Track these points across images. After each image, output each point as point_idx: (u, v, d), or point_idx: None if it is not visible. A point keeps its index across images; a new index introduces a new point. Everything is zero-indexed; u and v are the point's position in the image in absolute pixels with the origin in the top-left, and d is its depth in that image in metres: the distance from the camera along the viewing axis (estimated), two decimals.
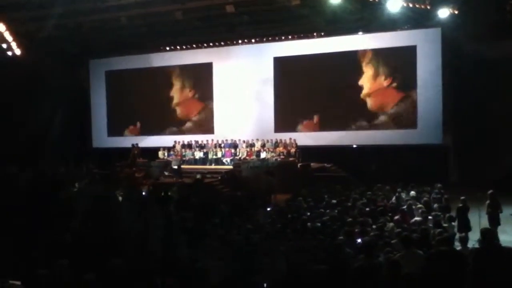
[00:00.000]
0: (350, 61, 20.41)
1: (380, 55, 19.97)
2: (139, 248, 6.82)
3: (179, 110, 23.92)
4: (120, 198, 11.64)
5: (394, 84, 19.85)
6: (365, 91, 20.29)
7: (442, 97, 18.84)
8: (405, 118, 19.72)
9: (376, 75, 20.12)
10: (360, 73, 20.31)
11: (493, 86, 16.82)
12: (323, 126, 20.92)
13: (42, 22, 18.46)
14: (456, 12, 16.21)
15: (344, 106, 20.52)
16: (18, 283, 5.10)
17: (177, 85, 23.89)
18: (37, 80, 21.12)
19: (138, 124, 24.55)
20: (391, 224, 8.65)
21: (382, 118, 20.08)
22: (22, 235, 6.78)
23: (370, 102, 20.27)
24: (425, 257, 5.99)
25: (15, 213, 8.01)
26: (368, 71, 20.25)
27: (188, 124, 23.72)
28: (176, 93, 23.93)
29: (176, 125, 23.88)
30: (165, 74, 23.98)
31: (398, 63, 19.75)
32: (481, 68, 16.49)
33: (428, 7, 16.28)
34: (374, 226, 8.64)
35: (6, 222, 7.46)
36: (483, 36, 16.75)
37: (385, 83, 20.01)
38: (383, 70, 20.01)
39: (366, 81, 20.28)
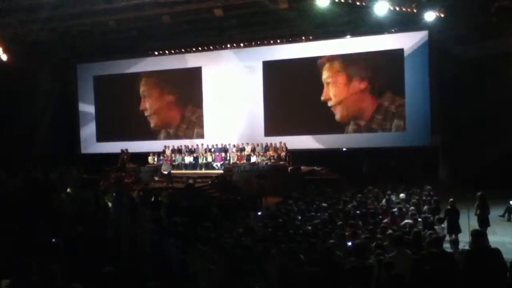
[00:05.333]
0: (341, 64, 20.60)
1: (368, 58, 20.14)
2: (130, 253, 6.77)
3: (167, 113, 23.91)
4: (110, 204, 11.57)
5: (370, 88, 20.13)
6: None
7: (430, 99, 19.02)
8: (394, 120, 19.88)
9: (362, 78, 20.32)
10: (349, 76, 20.47)
11: (479, 86, 17.03)
12: (313, 129, 20.95)
13: (30, 26, 18.32)
14: (442, 15, 16.38)
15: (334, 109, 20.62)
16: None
17: (165, 89, 23.87)
18: (25, 84, 20.94)
19: None
20: (382, 225, 8.67)
21: (370, 120, 20.22)
22: (14, 240, 6.71)
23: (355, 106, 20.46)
24: (415, 259, 6.03)
25: (7, 218, 7.92)
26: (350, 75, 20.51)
27: (176, 129, 23.69)
28: (163, 98, 23.89)
29: (165, 129, 23.81)
30: (153, 79, 23.94)
31: (385, 66, 19.91)
32: (467, 69, 16.69)
33: (415, 11, 16.43)
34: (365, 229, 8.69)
35: None
36: (469, 38, 16.98)
37: (363, 86, 20.24)
38: (369, 73, 20.20)
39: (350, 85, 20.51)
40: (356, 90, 20.31)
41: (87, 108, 25.33)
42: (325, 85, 20.69)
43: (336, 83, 20.57)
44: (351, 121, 20.43)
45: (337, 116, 20.54)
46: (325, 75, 20.70)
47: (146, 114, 24.07)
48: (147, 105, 24.08)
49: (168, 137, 23.63)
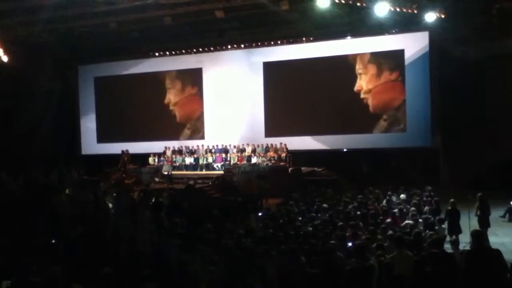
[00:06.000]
0: (339, 66, 20.57)
1: (369, 59, 20.14)
2: (130, 254, 6.77)
3: (176, 114, 23.86)
4: (110, 205, 11.57)
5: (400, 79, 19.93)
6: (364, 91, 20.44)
7: (430, 100, 19.00)
8: (395, 122, 19.87)
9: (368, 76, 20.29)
10: (350, 76, 20.46)
11: (480, 87, 17.05)
12: (313, 130, 20.94)
13: (31, 27, 18.35)
14: (443, 16, 16.37)
15: (334, 110, 20.60)
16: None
17: (169, 89, 23.87)
18: (26, 85, 20.95)
19: None
20: (383, 226, 8.66)
21: (374, 121, 20.20)
22: (14, 241, 6.72)
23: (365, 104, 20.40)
24: (416, 260, 6.03)
25: (7, 219, 7.93)
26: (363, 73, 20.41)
27: (179, 130, 23.68)
28: (171, 97, 23.87)
29: (166, 130, 23.79)
30: (154, 80, 23.95)
31: (386, 67, 19.94)
32: (468, 70, 16.68)
33: (415, 11, 16.43)
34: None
35: None
36: (470, 39, 16.96)
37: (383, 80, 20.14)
38: (374, 71, 20.18)
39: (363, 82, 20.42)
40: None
41: (88, 109, 25.37)
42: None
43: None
44: (353, 121, 20.39)
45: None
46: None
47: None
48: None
49: (169, 137, 23.51)
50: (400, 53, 19.59)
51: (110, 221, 8.96)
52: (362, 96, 20.30)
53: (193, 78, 23.18)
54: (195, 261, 6.10)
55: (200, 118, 23.34)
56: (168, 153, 22.16)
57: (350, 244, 7.45)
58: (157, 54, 23.82)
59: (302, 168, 19.65)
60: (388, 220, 9.52)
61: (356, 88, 20.38)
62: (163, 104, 23.89)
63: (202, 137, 22.99)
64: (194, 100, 23.45)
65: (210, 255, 6.59)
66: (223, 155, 21.17)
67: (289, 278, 5.92)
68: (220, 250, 6.85)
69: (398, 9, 16.12)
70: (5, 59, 18.58)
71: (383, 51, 19.92)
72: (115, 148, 22.42)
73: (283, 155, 20.04)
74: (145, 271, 5.72)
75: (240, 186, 17.23)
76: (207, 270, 5.99)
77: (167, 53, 23.69)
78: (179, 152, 22.12)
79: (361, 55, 20.27)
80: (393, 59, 19.78)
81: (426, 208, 11.13)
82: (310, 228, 8.99)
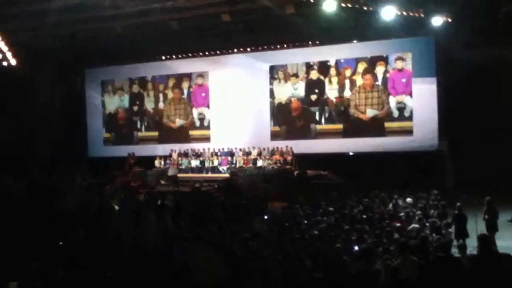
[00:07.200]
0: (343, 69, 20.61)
1: (374, 63, 20.14)
2: (133, 258, 6.77)
3: (174, 118, 23.93)
4: (116, 207, 11.57)
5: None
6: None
7: (437, 104, 18.92)
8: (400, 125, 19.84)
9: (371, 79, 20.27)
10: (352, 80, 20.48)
11: (486, 91, 16.92)
12: (320, 133, 20.92)
13: (37, 32, 18.46)
14: (449, 20, 16.30)
15: (339, 113, 20.59)
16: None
17: (171, 94, 23.95)
18: (32, 89, 21.06)
19: None
20: (388, 230, 8.60)
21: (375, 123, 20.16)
22: (18, 245, 6.73)
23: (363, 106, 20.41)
24: (421, 264, 5.98)
25: (11, 223, 7.95)
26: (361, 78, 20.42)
27: (183, 132, 23.73)
28: (171, 101, 23.97)
29: (172, 133, 23.85)
30: (159, 83, 24.05)
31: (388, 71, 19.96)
32: (474, 74, 16.59)
33: (422, 16, 16.37)
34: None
35: (2, 232, 7.41)
36: (477, 43, 16.88)
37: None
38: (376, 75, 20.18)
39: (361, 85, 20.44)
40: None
41: (95, 112, 25.48)
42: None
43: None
44: (356, 125, 20.36)
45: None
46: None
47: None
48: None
49: (175, 140, 23.58)
50: (406, 57, 19.54)
51: (114, 225, 8.95)
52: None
53: (199, 81, 23.25)
54: (198, 263, 6.09)
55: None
56: (174, 156, 22.19)
57: (356, 247, 7.41)
58: (163, 57, 23.90)
59: (308, 171, 19.59)
60: (398, 224, 9.45)
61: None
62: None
63: (208, 140, 23.04)
64: (187, 103, 23.66)
65: (214, 257, 6.57)
66: (229, 158, 21.18)
67: (294, 281, 5.89)
68: (225, 253, 6.83)
69: (404, 13, 16.07)
70: (13, 62, 18.71)
71: (389, 54, 19.87)
72: (121, 151, 22.51)
73: (289, 158, 20.01)
74: (148, 275, 5.71)
75: (246, 189, 17.21)
76: (210, 272, 5.97)
77: (173, 56, 23.76)
78: (185, 154, 22.15)
79: (367, 58, 20.26)
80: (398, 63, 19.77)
81: (434, 212, 11.04)
82: (316, 232, 8.94)
